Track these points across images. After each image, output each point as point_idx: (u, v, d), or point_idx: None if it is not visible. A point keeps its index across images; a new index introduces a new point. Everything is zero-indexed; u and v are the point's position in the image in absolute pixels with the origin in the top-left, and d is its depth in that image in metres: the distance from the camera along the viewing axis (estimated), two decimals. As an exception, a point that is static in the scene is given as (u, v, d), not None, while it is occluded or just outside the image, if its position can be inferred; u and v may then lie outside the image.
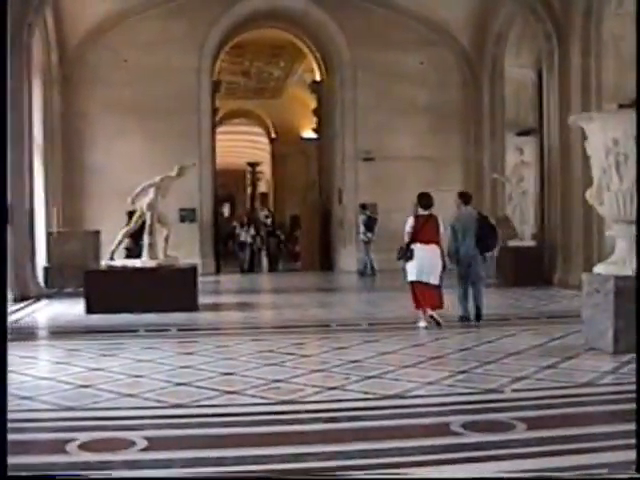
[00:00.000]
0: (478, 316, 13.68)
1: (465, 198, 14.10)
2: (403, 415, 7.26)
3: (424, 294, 13.07)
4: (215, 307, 17.26)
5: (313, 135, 33.07)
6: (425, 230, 12.93)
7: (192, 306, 16.06)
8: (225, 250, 32.63)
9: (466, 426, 6.64)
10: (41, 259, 21.68)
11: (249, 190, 54.07)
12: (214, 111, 29.06)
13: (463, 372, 8.99)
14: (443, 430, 6.60)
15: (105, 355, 10.93)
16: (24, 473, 5.74)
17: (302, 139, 38.98)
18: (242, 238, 26.85)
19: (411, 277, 13.13)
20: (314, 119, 31.83)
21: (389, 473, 5.61)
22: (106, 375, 9.36)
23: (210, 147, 27.95)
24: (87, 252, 20.59)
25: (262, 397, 8.01)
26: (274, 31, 28.92)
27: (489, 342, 11.43)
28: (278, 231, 35.44)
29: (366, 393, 8.06)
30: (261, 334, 13.19)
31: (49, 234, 22.43)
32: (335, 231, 28.30)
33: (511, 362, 9.71)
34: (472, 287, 13.76)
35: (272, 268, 31.15)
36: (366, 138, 26.83)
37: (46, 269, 21.25)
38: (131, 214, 17.60)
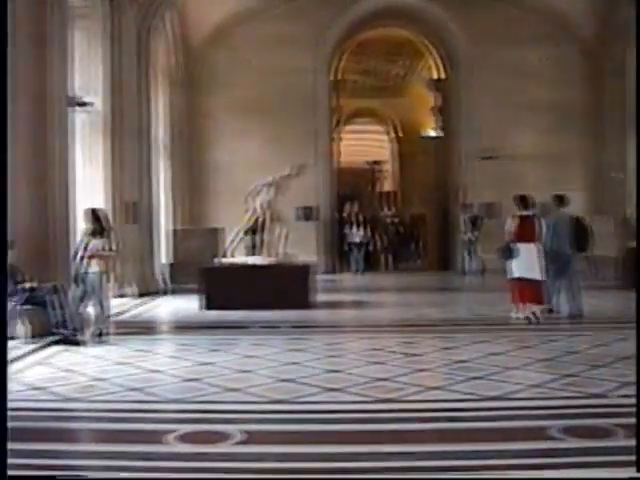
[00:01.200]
0: (579, 314, 14.03)
1: (560, 200, 14.48)
2: (503, 417, 7.17)
3: (525, 291, 13.45)
4: (329, 305, 17.32)
5: (435, 134, 32.89)
6: (525, 229, 13.40)
7: (306, 304, 16.19)
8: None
9: (566, 431, 6.51)
10: (164, 256, 22.20)
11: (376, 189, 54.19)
12: (334, 110, 29.17)
13: (570, 375, 8.80)
14: (542, 434, 6.49)
15: (216, 350, 11.11)
16: (123, 462, 5.89)
17: (424, 137, 38.77)
18: (351, 239, 26.66)
19: (514, 274, 13.56)
20: (436, 117, 31.66)
21: (482, 475, 5.56)
22: (214, 369, 9.53)
23: (328, 146, 28.11)
24: (209, 249, 20.95)
25: (363, 395, 8.03)
26: (393, 29, 28.85)
27: (601, 345, 11.16)
28: (400, 228, 35.53)
29: (468, 394, 7.99)
30: (371, 332, 13.21)
31: (173, 231, 22.97)
32: (454, 230, 28.09)
33: (622, 367, 9.41)
34: (567, 285, 14.15)
35: (393, 267, 31.19)
36: (486, 136, 26.55)
37: (170, 265, 21.76)
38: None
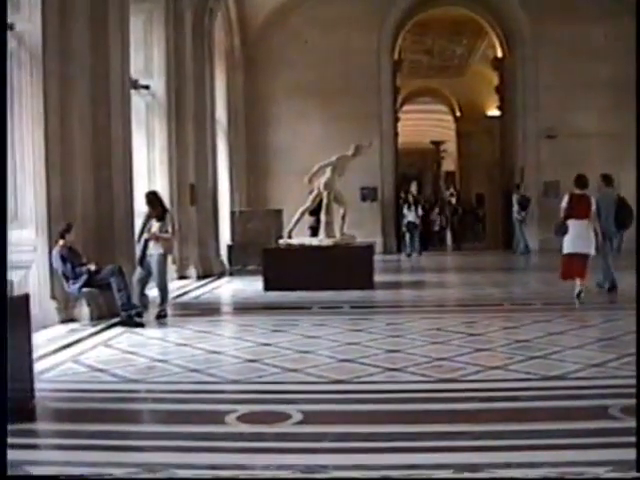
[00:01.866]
0: (612, 287, 14.84)
1: (607, 180, 15.25)
2: (561, 397, 7.11)
3: (573, 265, 13.86)
4: (390, 285, 17.31)
5: (497, 113, 32.58)
6: (579, 207, 13.91)
7: (367, 284, 16.20)
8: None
9: (626, 410, 6.44)
10: (225, 238, 22.33)
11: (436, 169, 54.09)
12: (396, 90, 29.06)
13: (630, 355, 8.69)
14: (601, 413, 6.45)
15: (276, 331, 11.18)
16: (183, 442, 5.99)
17: (486, 117, 38.41)
18: (409, 218, 26.28)
19: (567, 250, 14.01)
20: (497, 96, 31.37)
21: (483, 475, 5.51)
22: (274, 350, 9.60)
23: (392, 126, 28.03)
24: (269, 231, 21.04)
25: (422, 375, 8.04)
26: (455, 8, 28.54)
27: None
28: (460, 208, 35.34)
29: (527, 373, 7.96)
30: (432, 312, 13.20)
31: (232, 213, 23.07)
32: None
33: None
34: (604, 260, 14.93)
35: (455, 247, 31.06)
36: (548, 115, 26.23)
37: (229, 247, 21.87)
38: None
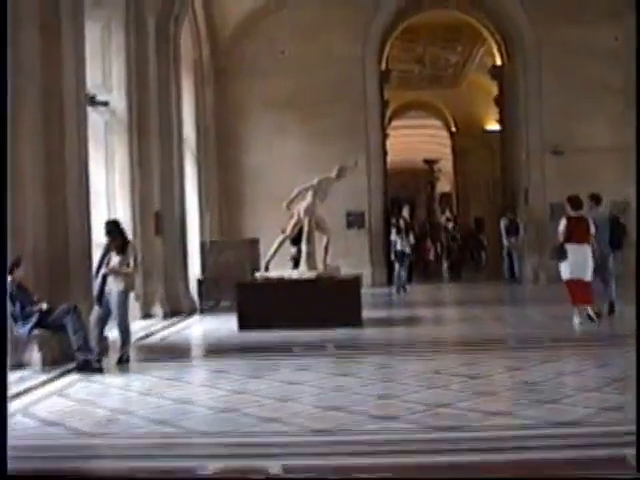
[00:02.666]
0: (611, 310, 15.65)
1: (596, 200, 15.96)
2: (573, 446, 7.06)
3: (577, 291, 14.76)
4: (381, 322, 17.32)
5: (497, 127, 32.69)
6: (578, 230, 14.71)
7: (355, 321, 16.13)
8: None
9: (644, 460, 6.40)
10: (194, 271, 22.22)
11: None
12: (384, 103, 29.13)
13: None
14: (618, 464, 6.40)
15: (253, 377, 11.11)
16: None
17: (485, 132, 38.58)
18: (398, 247, 25.84)
19: (565, 275, 14.89)
20: (497, 109, 31.46)
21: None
22: (252, 399, 9.52)
23: (380, 144, 28.11)
24: (244, 263, 20.98)
25: (418, 424, 7.97)
26: (448, 12, 28.62)
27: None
28: (458, 234, 35.39)
29: (536, 420, 7.91)
30: (428, 352, 13.19)
31: (203, 244, 22.98)
32: (520, 235, 27.89)
33: None
34: (603, 283, 15.63)
35: (453, 277, 31.07)
36: (553, 128, 26.33)
37: (200, 282, 21.75)
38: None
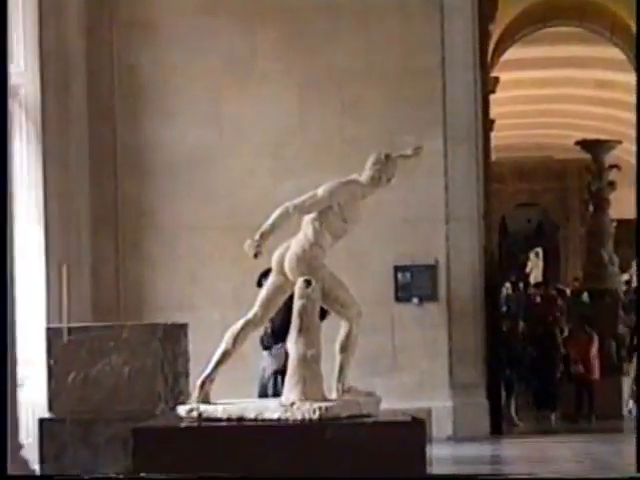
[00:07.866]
0: None
1: None
2: None
3: None
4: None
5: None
6: None
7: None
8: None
9: None
10: (33, 399, 11.50)
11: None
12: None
13: None
14: None
15: None
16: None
17: None
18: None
19: None
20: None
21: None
22: None
23: (474, 106, 14.21)
24: (152, 380, 10.48)
25: None
26: None
27: None
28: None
29: None
30: None
31: (51, 334, 11.23)
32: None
33: None
34: None
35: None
36: None
37: (43, 424, 10.48)
38: None
